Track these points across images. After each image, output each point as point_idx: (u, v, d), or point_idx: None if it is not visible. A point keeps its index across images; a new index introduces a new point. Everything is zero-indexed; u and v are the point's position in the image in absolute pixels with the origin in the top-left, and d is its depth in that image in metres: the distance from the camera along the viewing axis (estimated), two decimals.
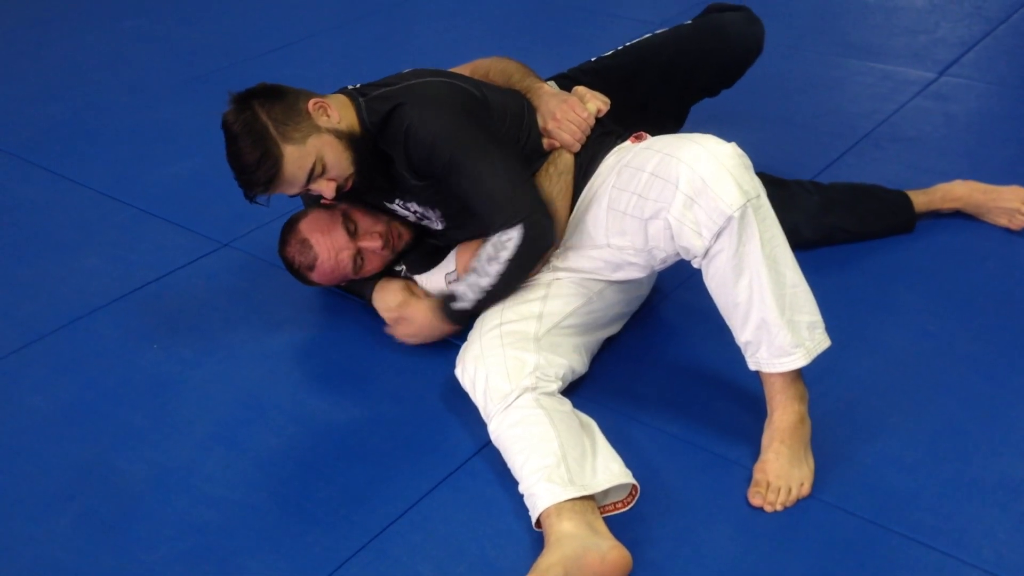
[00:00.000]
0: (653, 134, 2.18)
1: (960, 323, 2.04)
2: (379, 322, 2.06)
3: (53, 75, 3.59)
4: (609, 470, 1.63)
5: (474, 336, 1.86)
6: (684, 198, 1.63)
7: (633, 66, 2.26)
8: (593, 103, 2.02)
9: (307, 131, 1.80)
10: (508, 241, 1.80)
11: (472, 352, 1.82)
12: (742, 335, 1.68)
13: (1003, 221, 2.31)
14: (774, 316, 1.63)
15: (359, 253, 2.01)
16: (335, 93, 1.95)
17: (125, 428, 1.91)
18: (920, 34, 3.45)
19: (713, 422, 1.83)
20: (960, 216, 2.37)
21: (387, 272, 2.12)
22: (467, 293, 1.86)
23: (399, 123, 1.85)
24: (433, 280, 2.06)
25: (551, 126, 1.97)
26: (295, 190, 1.85)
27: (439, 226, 2.04)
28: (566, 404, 1.75)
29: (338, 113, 1.86)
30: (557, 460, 1.60)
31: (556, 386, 1.76)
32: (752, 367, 1.70)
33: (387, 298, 2.05)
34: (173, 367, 2.07)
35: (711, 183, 1.60)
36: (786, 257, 1.66)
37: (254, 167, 1.78)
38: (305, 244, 2.00)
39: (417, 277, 2.08)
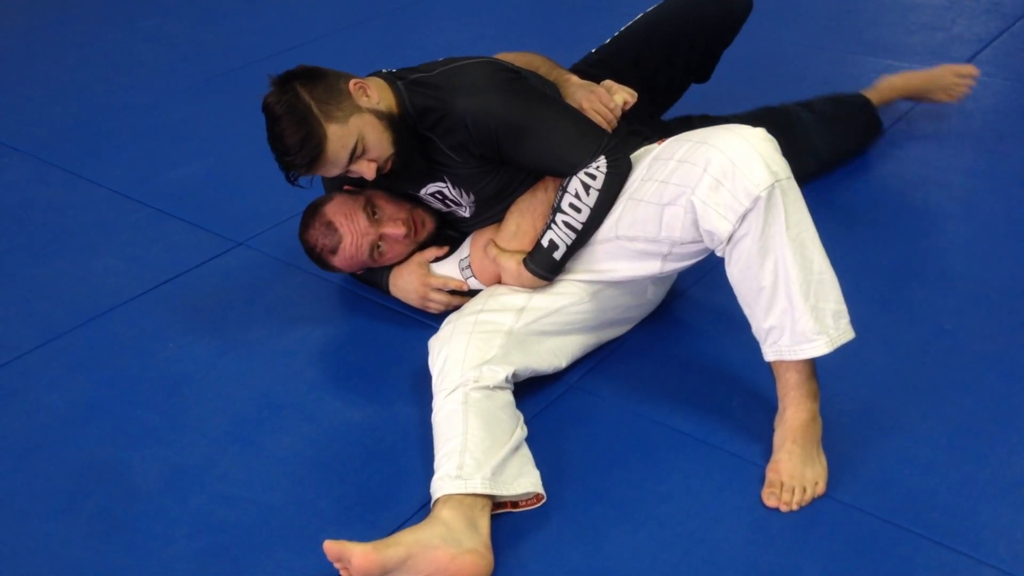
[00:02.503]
0: (666, 107, 2.37)
1: (977, 319, 2.03)
2: (394, 321, 2.06)
3: (70, 75, 3.61)
4: (515, 478, 1.65)
5: (453, 318, 1.89)
6: (712, 180, 1.63)
7: (636, 48, 2.30)
8: (620, 94, 2.03)
9: (349, 110, 1.81)
10: (597, 171, 1.81)
11: (444, 333, 1.85)
12: (766, 321, 1.66)
13: (943, 97, 2.67)
14: (799, 300, 1.61)
15: (380, 239, 2.02)
16: (371, 76, 1.95)
17: (140, 427, 1.92)
18: (937, 31, 3.42)
19: (728, 420, 1.82)
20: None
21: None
22: (561, 239, 1.84)
23: (455, 111, 1.84)
24: (446, 268, 2.06)
25: None
26: (337, 170, 1.85)
27: (467, 213, 2.04)
28: (500, 399, 1.75)
29: (377, 94, 1.87)
30: (457, 455, 1.63)
31: (499, 381, 1.76)
32: (771, 357, 1.68)
33: (408, 280, 2.07)
34: (188, 366, 2.07)
35: (740, 164, 1.60)
36: (814, 242, 1.64)
37: (298, 147, 1.78)
38: (330, 227, 2.01)
39: (432, 265, 2.08)
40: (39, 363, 2.11)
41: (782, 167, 1.62)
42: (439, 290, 2.05)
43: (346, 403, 1.95)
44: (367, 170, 1.85)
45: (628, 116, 2.05)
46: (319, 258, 2.06)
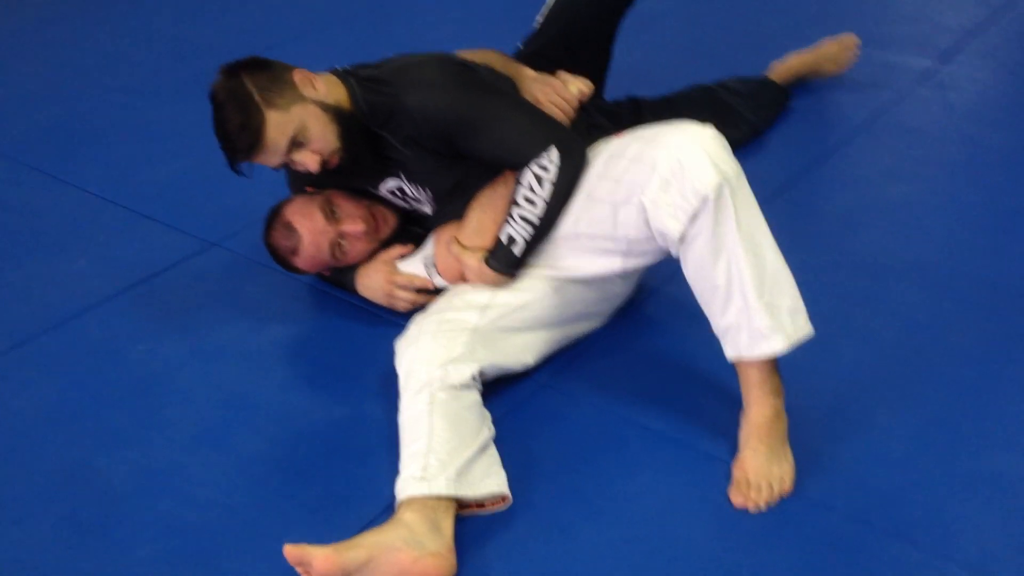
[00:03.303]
0: (602, 78, 2.41)
1: (952, 315, 2.01)
2: (364, 321, 2.05)
3: (51, 75, 3.59)
4: (481, 480, 1.64)
5: (419, 318, 1.88)
6: (660, 180, 1.62)
7: (564, 34, 2.33)
8: (575, 85, 2.05)
9: (291, 99, 1.82)
10: (549, 164, 1.80)
11: (410, 333, 1.84)
12: (722, 320, 1.66)
13: (832, 68, 2.89)
14: (753, 298, 1.61)
15: (341, 238, 2.01)
16: (325, 72, 1.95)
17: (109, 430, 1.90)
18: (922, 22, 3.41)
19: (697, 418, 1.81)
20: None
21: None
22: (519, 233, 1.83)
23: (406, 108, 1.85)
24: (412, 266, 2.05)
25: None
26: (277, 159, 1.85)
27: (429, 209, 2.04)
28: (466, 399, 1.74)
29: (325, 87, 1.87)
30: (422, 456, 1.62)
31: (466, 379, 1.74)
32: (730, 356, 1.68)
33: (374, 279, 2.06)
34: (158, 368, 2.06)
35: (688, 164, 1.60)
36: (766, 240, 1.64)
37: (237, 132, 1.79)
38: (289, 227, 2.01)
39: (398, 263, 2.07)
40: (9, 367, 2.10)
41: (731, 166, 1.62)
42: (405, 288, 2.03)
43: (314, 404, 1.93)
44: (310, 161, 1.84)
45: (587, 108, 2.05)
46: (283, 260, 2.05)
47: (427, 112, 1.84)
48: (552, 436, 1.81)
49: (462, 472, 1.63)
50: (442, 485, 1.60)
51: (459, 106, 1.85)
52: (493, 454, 1.72)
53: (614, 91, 2.53)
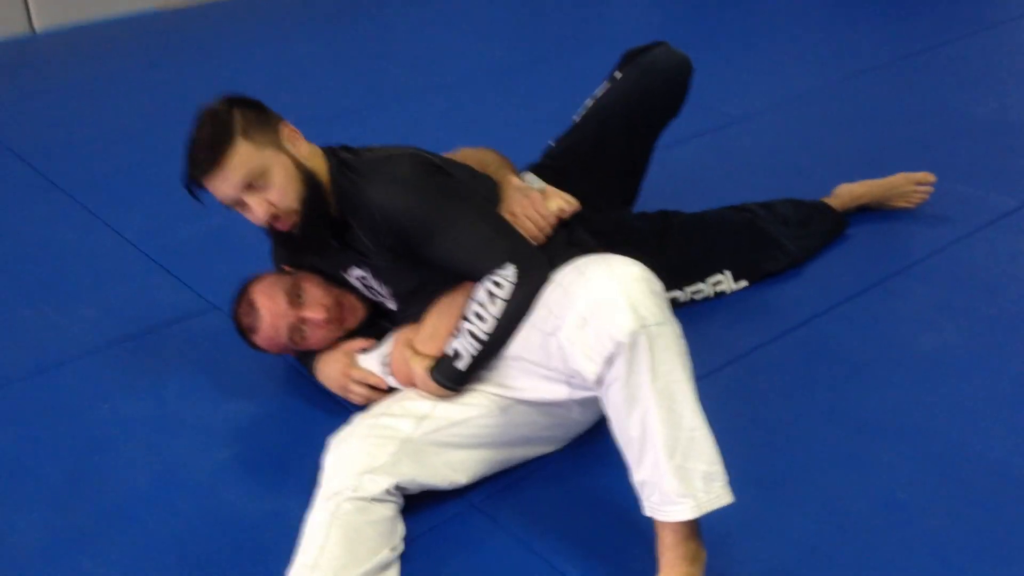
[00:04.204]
0: (634, 192, 2.37)
1: (939, 495, 1.79)
2: (326, 408, 2.01)
3: (135, 119, 3.74)
4: None
5: (358, 417, 1.81)
6: (578, 318, 1.52)
7: (596, 133, 2.30)
8: (556, 201, 1.95)
9: (269, 142, 1.79)
10: (504, 280, 1.71)
11: (342, 433, 1.77)
12: (638, 474, 1.53)
13: (902, 203, 2.74)
14: (663, 458, 1.48)
15: (302, 323, 1.96)
16: (312, 144, 1.91)
17: (42, 489, 1.89)
18: (1018, 156, 3.14)
19: (620, 572, 1.65)
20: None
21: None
22: (466, 348, 1.75)
23: (366, 200, 1.80)
24: (370, 361, 1.98)
25: (508, 220, 1.88)
26: (230, 190, 1.77)
27: (393, 306, 1.97)
28: (374, 513, 1.64)
29: (307, 152, 1.84)
30: (307, 571, 1.57)
31: (379, 492, 1.66)
32: (646, 512, 1.54)
33: (332, 368, 2.00)
34: (112, 430, 2.05)
35: (606, 305, 1.49)
36: (686, 396, 1.50)
37: (202, 147, 1.76)
38: (251, 306, 1.98)
39: (358, 356, 2.01)
40: None
41: (653, 312, 1.49)
42: (360, 383, 1.97)
43: (241, 492, 1.87)
44: (259, 208, 1.78)
45: (570, 224, 1.95)
46: (244, 337, 2.01)
47: (385, 210, 1.78)
48: (463, 566, 1.69)
49: None
50: None
51: (419, 208, 1.78)
52: (390, 574, 1.62)
53: (663, 198, 2.45)
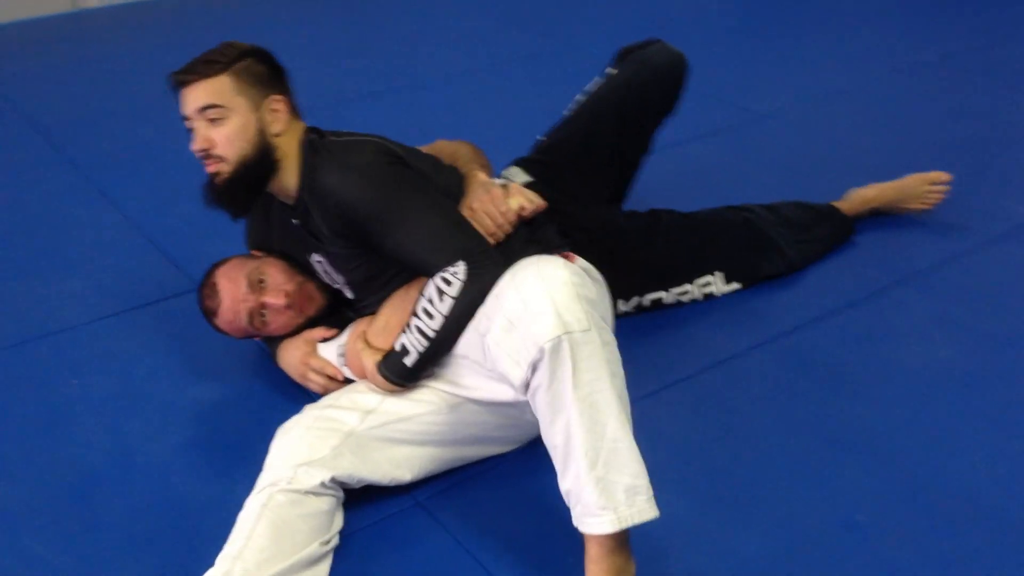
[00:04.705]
0: (624, 188, 2.31)
1: (900, 518, 1.70)
2: (289, 395, 2.00)
3: (153, 96, 3.75)
4: None
5: (307, 407, 1.79)
6: (505, 322, 1.48)
7: (587, 128, 2.24)
8: (516, 199, 1.89)
9: (249, 96, 1.78)
10: (454, 277, 1.66)
11: (289, 423, 1.76)
12: (563, 483, 1.48)
13: (916, 206, 2.62)
14: (584, 469, 1.43)
15: (262, 308, 1.94)
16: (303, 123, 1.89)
17: None
18: None
19: None
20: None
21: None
22: (413, 344, 1.71)
23: (320, 185, 1.78)
24: (328, 351, 1.95)
25: (466, 215, 1.84)
26: (190, 106, 1.77)
27: (350, 295, 1.95)
28: (307, 507, 1.62)
29: (282, 129, 1.81)
30: (229, 561, 1.54)
31: (314, 485, 1.63)
32: (575, 522, 1.49)
33: (292, 355, 1.99)
34: (77, 407, 2.05)
35: (529, 309, 1.45)
36: (610, 406, 1.44)
37: (201, 58, 1.78)
38: (213, 289, 1.97)
39: (319, 345, 1.98)
40: None
41: (579, 318, 1.43)
42: (318, 372, 1.94)
43: (193, 476, 1.86)
44: (200, 137, 1.77)
45: (536, 222, 1.91)
46: (206, 319, 1.99)
47: (337, 197, 1.75)
48: (394, 563, 1.65)
49: None
50: None
51: (371, 198, 1.74)
52: (313, 573, 1.59)
53: (669, 195, 2.42)
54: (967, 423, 1.92)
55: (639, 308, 2.24)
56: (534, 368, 1.43)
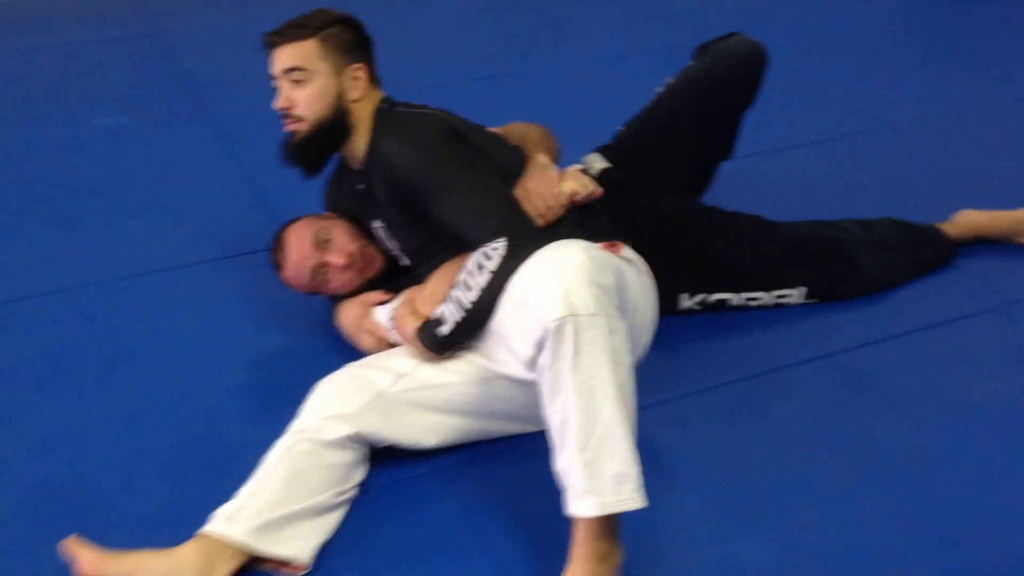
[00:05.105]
0: (704, 178, 2.33)
1: (917, 544, 1.64)
2: (343, 350, 2.08)
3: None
4: (287, 540, 1.62)
5: (349, 364, 1.87)
6: (516, 299, 1.55)
7: (665, 118, 2.26)
8: (569, 184, 1.91)
9: (333, 63, 1.89)
10: (494, 252, 1.71)
11: (328, 377, 1.83)
12: (559, 462, 1.51)
13: None
14: (574, 451, 1.46)
15: (324, 267, 2.03)
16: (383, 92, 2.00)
17: (66, 383, 2.09)
18: None
19: (552, 562, 1.61)
20: None
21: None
22: (451, 314, 1.77)
23: (381, 152, 1.88)
24: (381, 314, 2.02)
25: (519, 195, 1.88)
26: (277, 67, 1.91)
27: (407, 261, 2.03)
28: (328, 458, 1.70)
29: (361, 95, 1.93)
30: (244, 497, 1.63)
31: (337, 438, 1.70)
32: (565, 505, 1.51)
33: (347, 315, 2.08)
34: (154, 340, 2.23)
35: (538, 289, 1.50)
36: (607, 392, 1.46)
37: (294, 22, 1.91)
38: (282, 244, 2.08)
39: (375, 308, 2.06)
40: (20, 314, 2.35)
41: (586, 303, 1.46)
42: (369, 333, 2.02)
43: (239, 417, 1.99)
44: (283, 96, 1.90)
45: (590, 208, 1.95)
46: (275, 271, 2.11)
47: (393, 165, 1.83)
48: (403, 525, 1.72)
49: (270, 526, 1.61)
50: (239, 532, 1.59)
51: (424, 168, 1.81)
52: (324, 520, 1.68)
53: (770, 200, 2.41)
54: (1018, 464, 1.83)
55: (704, 305, 2.23)
56: (539, 347, 1.47)
